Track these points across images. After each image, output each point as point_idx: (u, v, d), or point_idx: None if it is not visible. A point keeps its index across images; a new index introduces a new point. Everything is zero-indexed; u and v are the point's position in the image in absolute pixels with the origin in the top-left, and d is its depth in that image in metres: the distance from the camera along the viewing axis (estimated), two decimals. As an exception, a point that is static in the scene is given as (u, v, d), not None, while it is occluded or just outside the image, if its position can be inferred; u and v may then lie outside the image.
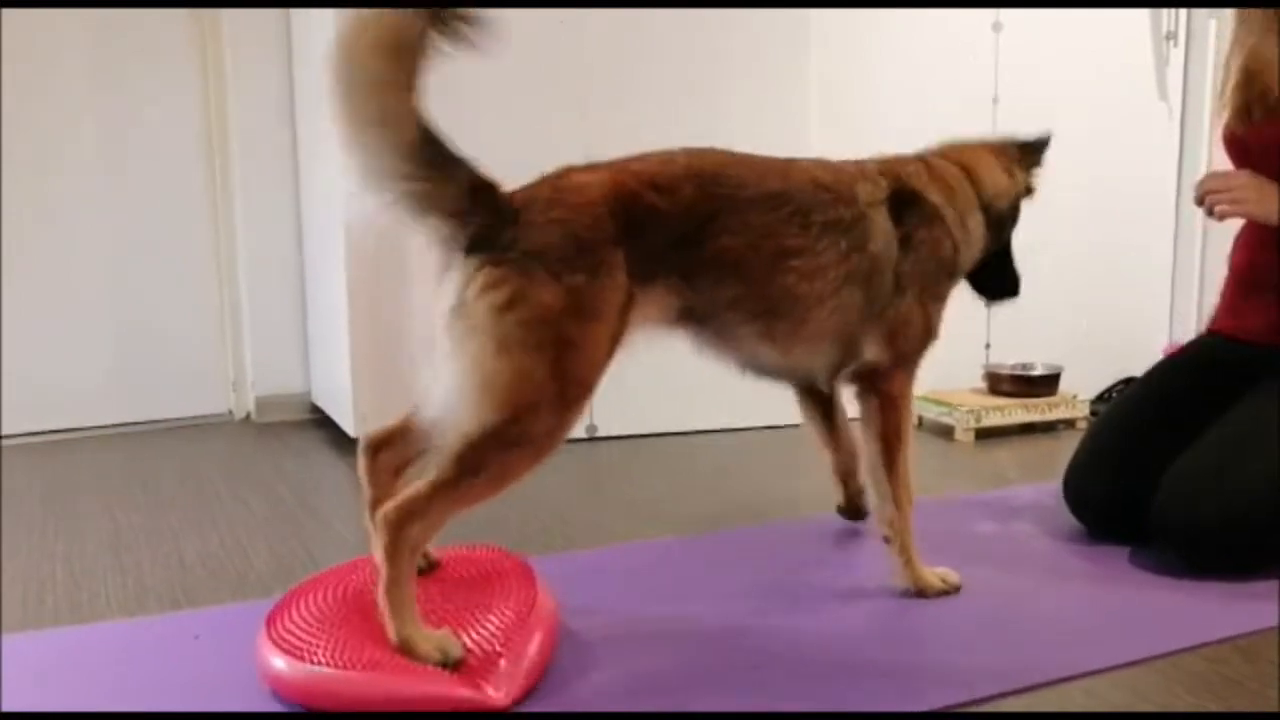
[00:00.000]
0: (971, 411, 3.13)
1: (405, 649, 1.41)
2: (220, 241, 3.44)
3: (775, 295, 1.70)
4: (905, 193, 1.80)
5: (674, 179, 1.62)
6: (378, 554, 1.42)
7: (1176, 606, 1.75)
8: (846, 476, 2.17)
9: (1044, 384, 3.29)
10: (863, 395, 1.83)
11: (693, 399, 3.18)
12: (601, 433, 3.11)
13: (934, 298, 1.83)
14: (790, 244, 1.69)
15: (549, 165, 2.94)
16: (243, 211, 3.41)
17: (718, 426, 3.19)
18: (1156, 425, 2.10)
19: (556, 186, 1.60)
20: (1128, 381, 3.33)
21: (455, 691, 1.35)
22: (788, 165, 1.76)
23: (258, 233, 3.42)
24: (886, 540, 1.84)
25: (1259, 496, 1.83)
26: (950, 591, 1.81)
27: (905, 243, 1.78)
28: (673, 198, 1.61)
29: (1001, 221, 1.93)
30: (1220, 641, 1.59)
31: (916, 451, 2.76)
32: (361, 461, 1.65)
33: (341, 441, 3.05)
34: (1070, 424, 3.27)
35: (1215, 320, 2.25)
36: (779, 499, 2.47)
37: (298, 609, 1.50)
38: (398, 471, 1.65)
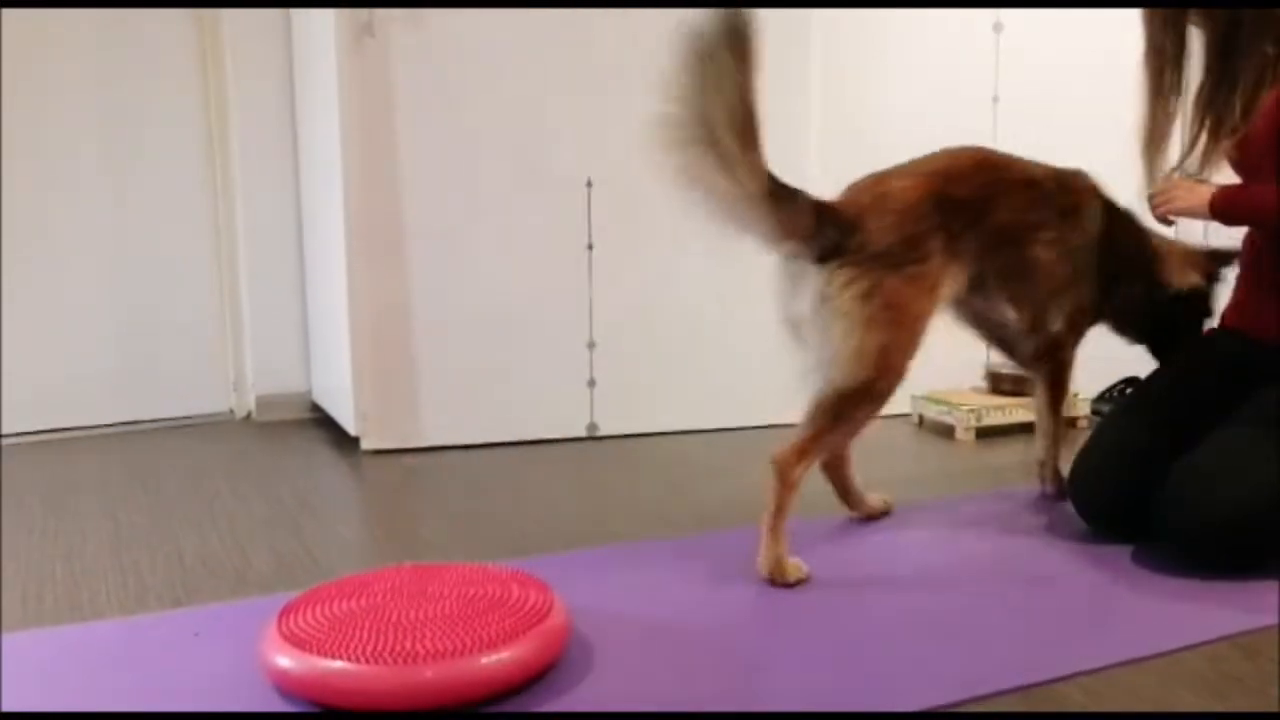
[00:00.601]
0: (972, 410, 3.13)
1: (776, 570, 1.88)
2: (221, 241, 3.44)
3: (1026, 262, 2.14)
4: (1108, 202, 2.25)
5: (963, 171, 2.07)
6: (768, 492, 1.93)
7: (1178, 605, 1.75)
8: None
9: (1045, 383, 3.28)
10: (1043, 359, 2.33)
11: (693, 398, 3.19)
12: (602, 432, 3.11)
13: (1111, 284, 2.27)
14: (1037, 219, 2.14)
15: (548, 164, 2.95)
16: (243, 211, 3.41)
17: (718, 426, 3.19)
18: (1162, 424, 2.09)
19: (879, 195, 1.98)
20: (1129, 381, 3.33)
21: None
22: (1016, 159, 2.18)
23: (258, 232, 3.42)
24: (1040, 465, 2.43)
25: (1264, 495, 1.82)
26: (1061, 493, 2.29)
27: (1101, 237, 2.22)
28: (966, 186, 2.05)
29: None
30: (1221, 640, 1.59)
31: (917, 450, 2.78)
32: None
33: (342, 441, 3.05)
34: (1071, 423, 3.26)
35: (1224, 317, 2.26)
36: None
37: (313, 610, 1.50)
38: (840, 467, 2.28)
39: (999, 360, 3.38)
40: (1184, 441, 1.97)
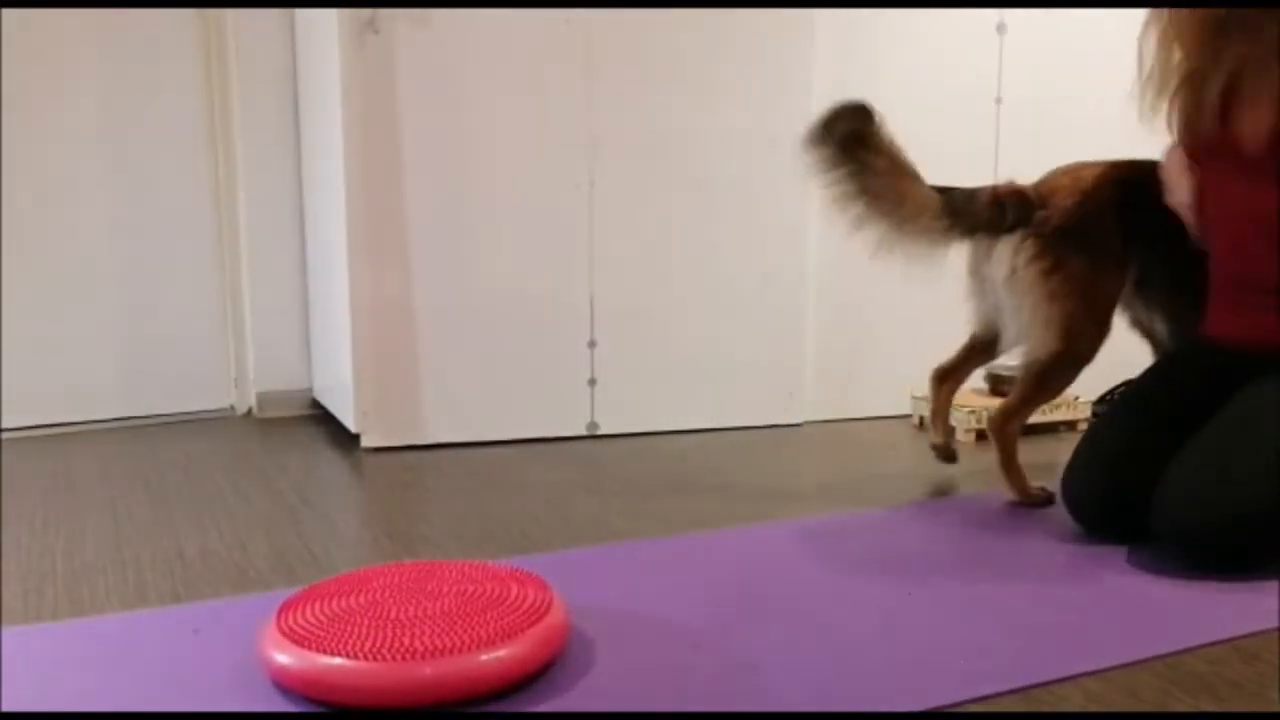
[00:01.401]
0: (973, 412, 3.13)
1: (1024, 496, 2.33)
2: (223, 237, 3.45)
3: (1178, 275, 2.24)
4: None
5: (1145, 173, 2.20)
6: (995, 444, 2.34)
7: (1175, 607, 1.75)
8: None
9: (1045, 385, 3.28)
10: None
11: (694, 398, 3.19)
12: (603, 430, 3.11)
13: None
14: (1180, 228, 2.19)
15: (551, 163, 2.96)
16: (245, 208, 3.41)
17: (719, 425, 3.20)
18: (1154, 426, 2.10)
19: (1074, 177, 2.23)
20: (1129, 383, 3.33)
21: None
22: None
23: (260, 229, 3.42)
24: None
25: (1259, 495, 1.83)
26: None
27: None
28: (1148, 188, 2.18)
29: None
30: (1219, 643, 1.59)
31: (916, 451, 2.78)
32: (931, 386, 2.57)
33: (343, 438, 3.05)
34: (1071, 425, 3.27)
35: (1209, 325, 2.25)
36: (781, 499, 2.47)
37: (312, 607, 1.50)
38: (950, 393, 2.58)
39: (1000, 363, 3.39)
40: (1174, 443, 1.97)
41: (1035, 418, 3.21)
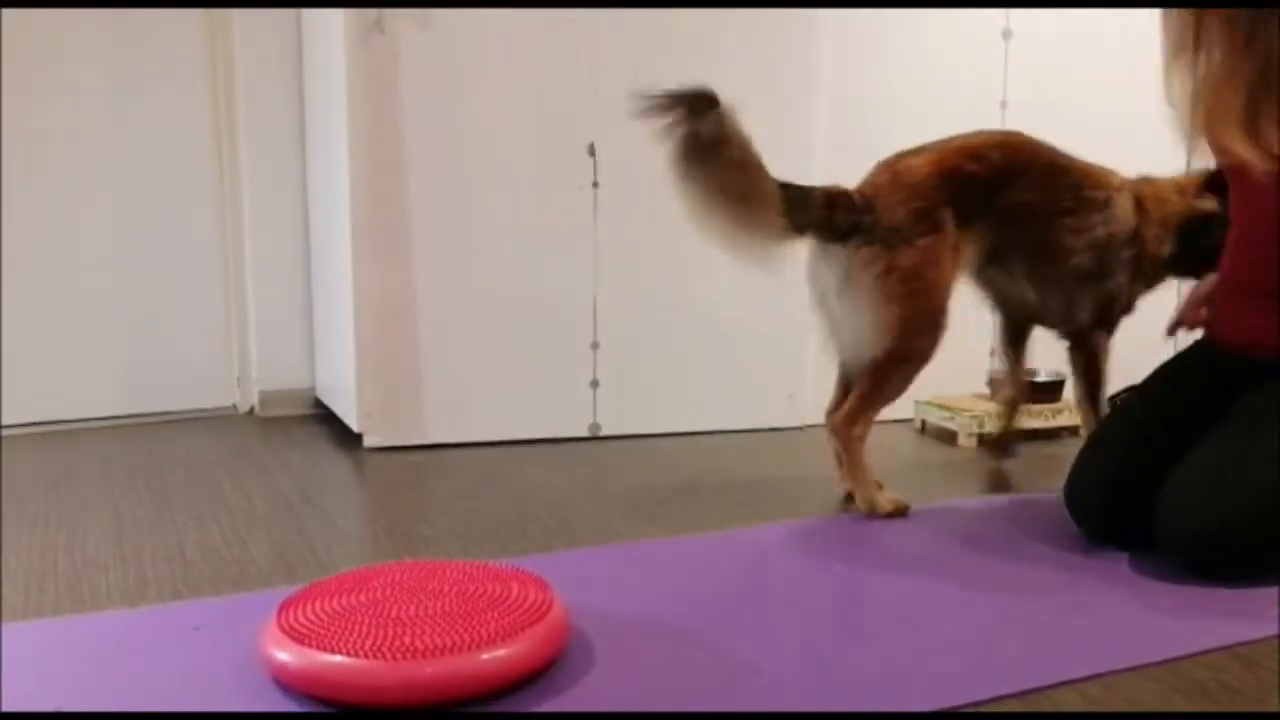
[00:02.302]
0: (975, 417, 3.13)
1: (870, 507, 2.27)
2: (227, 236, 3.45)
3: (1049, 241, 2.30)
4: (1140, 199, 2.37)
5: (984, 148, 2.24)
6: (839, 450, 2.33)
7: (1176, 613, 1.75)
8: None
9: (1047, 391, 3.28)
10: (1073, 350, 2.49)
11: (696, 400, 3.19)
12: (605, 432, 3.11)
13: (1142, 282, 2.44)
14: (1064, 204, 2.29)
15: (555, 164, 2.96)
16: (250, 207, 3.41)
17: (721, 428, 3.20)
18: (1155, 432, 2.09)
19: (894, 171, 2.21)
20: (1131, 389, 3.33)
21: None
22: (1063, 153, 2.34)
23: (264, 228, 3.43)
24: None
25: (1261, 503, 1.82)
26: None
27: (1134, 233, 2.35)
28: (984, 162, 2.22)
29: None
30: (1220, 649, 1.59)
31: (918, 455, 2.77)
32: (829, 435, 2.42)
33: (345, 437, 3.06)
34: (1073, 431, 3.26)
35: (1206, 328, 2.26)
36: (782, 500, 2.47)
37: (313, 605, 1.50)
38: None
39: (1002, 367, 3.39)
40: (1176, 450, 1.97)
41: (1037, 423, 3.21)
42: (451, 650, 1.38)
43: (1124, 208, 2.35)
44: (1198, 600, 1.79)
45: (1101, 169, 2.37)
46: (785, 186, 2.10)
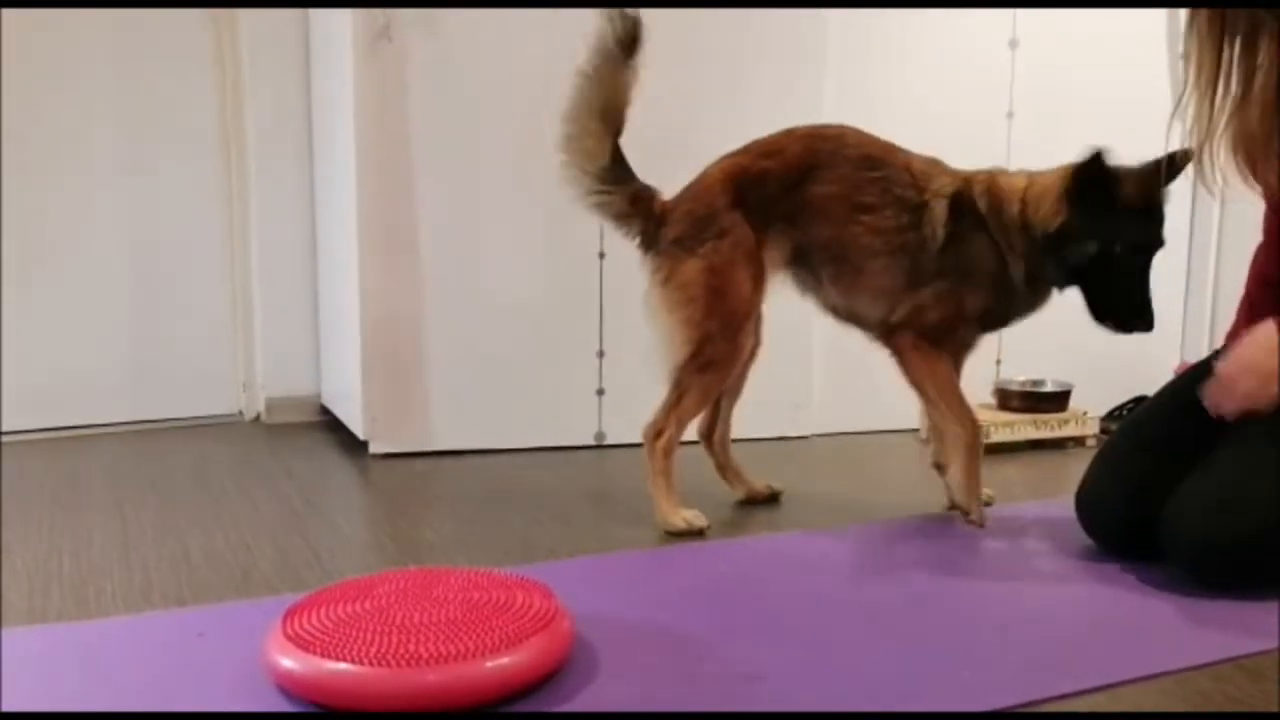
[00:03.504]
0: (980, 427, 3.12)
1: (665, 524, 2.20)
2: (234, 243, 3.46)
3: (846, 240, 2.17)
4: (964, 199, 2.17)
5: (781, 143, 2.19)
6: (647, 460, 2.24)
7: (1183, 625, 1.74)
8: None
9: (1054, 401, 3.28)
10: (891, 350, 2.26)
11: (701, 409, 3.18)
12: (610, 440, 3.11)
13: (969, 289, 2.19)
14: (866, 200, 2.16)
15: (558, 166, 2.85)
16: (257, 213, 3.42)
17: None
18: (1168, 443, 2.09)
19: (690, 184, 2.22)
20: (1138, 400, 3.32)
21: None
22: (893, 147, 2.22)
23: (271, 234, 3.43)
24: (936, 468, 2.43)
25: (1271, 515, 1.82)
26: (986, 505, 2.30)
27: (953, 238, 2.16)
28: (779, 158, 2.17)
29: (1054, 247, 2.13)
30: (1226, 661, 1.58)
31: (924, 465, 2.76)
32: (706, 450, 2.49)
33: (350, 444, 3.06)
34: (1080, 441, 3.26)
35: (1226, 341, 2.25)
36: (786, 510, 2.47)
37: (317, 613, 1.50)
38: (725, 445, 2.51)
39: (1008, 377, 3.39)
40: (1188, 461, 1.96)
41: (1044, 434, 3.21)
42: (455, 658, 1.38)
43: (937, 213, 2.18)
44: (1206, 611, 1.79)
45: (933, 169, 2.22)
46: (623, 159, 2.16)
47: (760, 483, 2.49)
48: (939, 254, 2.16)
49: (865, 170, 2.17)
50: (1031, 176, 2.19)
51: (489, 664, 1.39)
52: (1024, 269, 2.17)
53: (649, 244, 2.19)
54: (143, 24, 3.25)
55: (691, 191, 2.20)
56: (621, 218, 2.18)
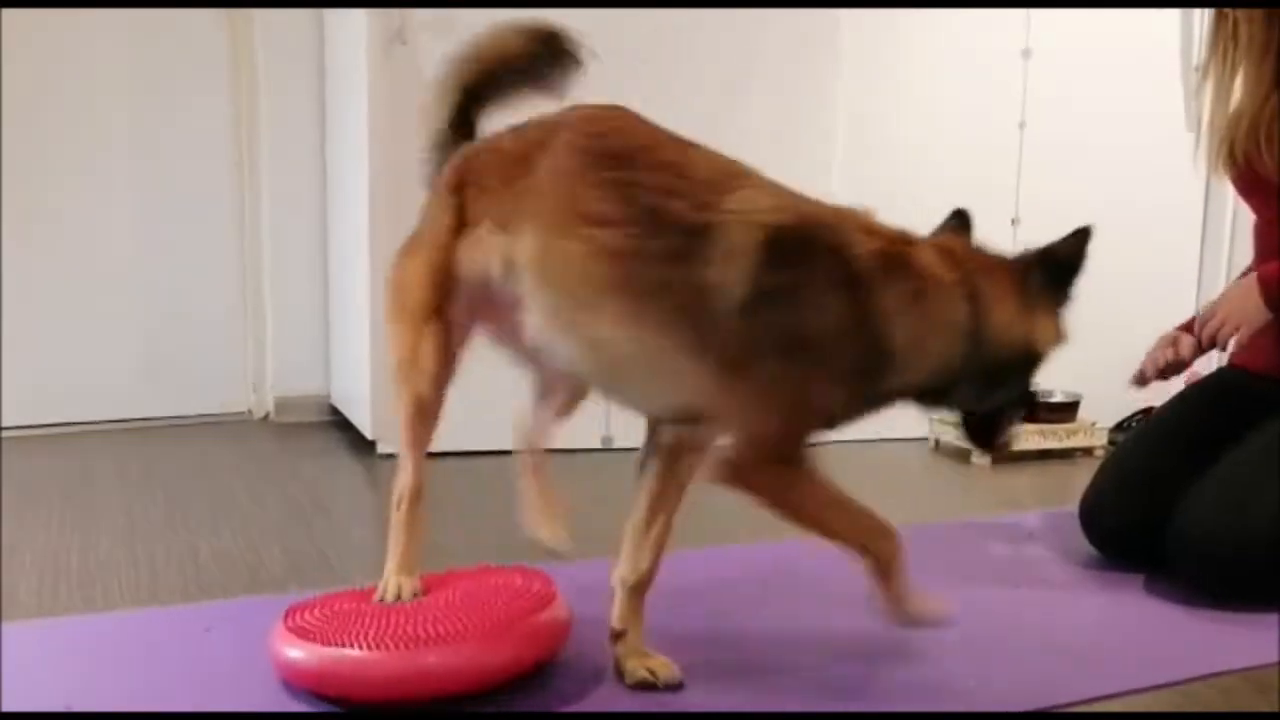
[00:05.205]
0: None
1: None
2: (246, 242, 3.47)
3: (560, 259, 1.41)
4: (803, 237, 1.36)
5: (539, 122, 1.57)
6: None
7: (1189, 636, 1.74)
8: None
9: (1062, 411, 3.27)
10: (719, 481, 1.45)
11: (709, 414, 3.18)
12: (618, 444, 3.11)
13: (818, 376, 1.38)
14: (595, 208, 1.39)
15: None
16: (269, 213, 3.43)
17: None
18: (1175, 454, 2.08)
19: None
20: (1147, 411, 3.31)
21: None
22: (684, 145, 1.47)
23: (283, 235, 3.45)
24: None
25: (1277, 527, 1.82)
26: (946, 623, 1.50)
27: (777, 292, 1.34)
28: (516, 139, 1.57)
29: (1004, 373, 1.48)
30: (1231, 672, 1.58)
31: (932, 473, 2.76)
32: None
33: (359, 444, 3.06)
34: (1088, 452, 3.25)
35: (1233, 354, 2.24)
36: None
37: (320, 608, 1.51)
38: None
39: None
40: (1194, 473, 1.96)
41: (1052, 444, 3.20)
42: (454, 638, 1.38)
43: (741, 242, 1.34)
44: (1210, 622, 1.78)
45: (733, 178, 1.42)
46: (463, 120, 1.74)
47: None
48: (741, 313, 1.33)
49: (607, 166, 1.42)
50: (939, 243, 1.45)
51: (489, 643, 1.40)
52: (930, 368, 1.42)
53: None
54: (158, 24, 3.27)
55: (457, 157, 1.67)
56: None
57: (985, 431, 1.56)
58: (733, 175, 1.42)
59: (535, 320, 1.47)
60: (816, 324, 1.35)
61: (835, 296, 1.35)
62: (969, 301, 1.39)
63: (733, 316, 1.33)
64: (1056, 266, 1.46)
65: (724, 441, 1.43)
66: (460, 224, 1.57)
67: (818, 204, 1.42)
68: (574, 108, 1.58)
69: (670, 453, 1.54)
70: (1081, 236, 1.45)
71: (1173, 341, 2.18)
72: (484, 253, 1.53)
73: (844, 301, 1.35)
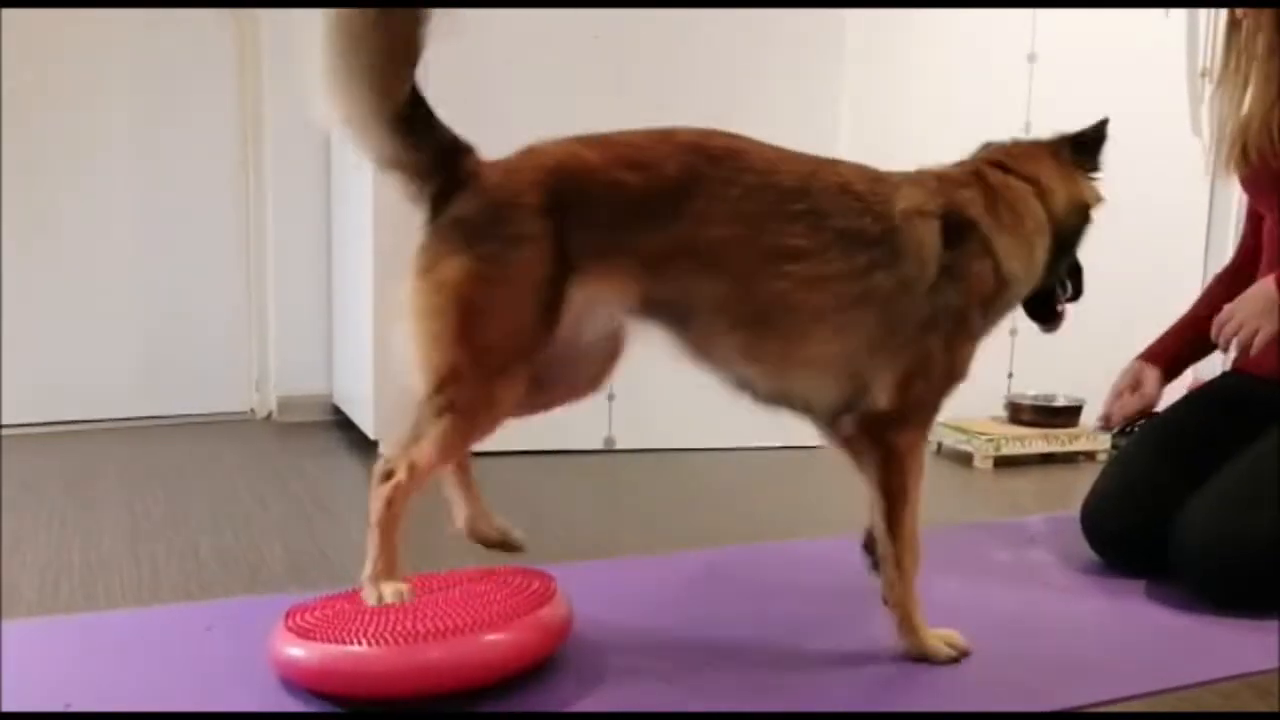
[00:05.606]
0: (991, 440, 3.11)
1: (367, 595, 1.49)
2: (250, 243, 3.47)
3: (764, 300, 1.51)
4: (957, 217, 1.56)
5: (652, 151, 1.52)
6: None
7: (1191, 641, 1.73)
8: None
9: (1065, 415, 3.27)
10: (864, 445, 1.59)
11: (712, 415, 3.18)
12: (620, 445, 3.11)
13: (968, 337, 1.58)
14: (790, 244, 1.50)
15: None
16: (273, 213, 3.44)
17: (736, 445, 3.19)
18: (1177, 459, 2.08)
19: (521, 153, 1.54)
20: (1150, 416, 3.31)
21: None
22: (816, 163, 1.57)
23: (287, 234, 3.45)
24: (885, 602, 1.62)
25: (1277, 531, 1.81)
26: (957, 657, 1.59)
27: (947, 272, 1.54)
28: (646, 173, 1.49)
29: (1069, 242, 1.70)
30: (1233, 678, 1.58)
31: (934, 477, 2.76)
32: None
33: (361, 444, 3.06)
34: (1090, 456, 3.25)
35: (1237, 359, 2.24)
36: (794, 519, 2.47)
37: (320, 608, 1.51)
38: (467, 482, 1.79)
39: (1019, 391, 3.38)
40: (1196, 479, 1.96)
41: (1054, 448, 3.20)
42: (455, 632, 1.39)
43: (917, 240, 1.54)
44: (1212, 628, 1.78)
45: (882, 182, 1.59)
46: (423, 99, 1.53)
47: (498, 522, 1.80)
48: (928, 295, 1.53)
49: (780, 202, 1.51)
50: (1019, 161, 1.68)
51: (489, 637, 1.40)
52: (1035, 282, 1.66)
53: (435, 213, 1.52)
54: (165, 24, 3.27)
55: (510, 167, 1.52)
56: (421, 175, 1.53)
57: (1045, 308, 1.75)
58: (868, 176, 1.58)
59: (723, 355, 1.59)
60: (975, 285, 1.56)
61: (980, 258, 1.56)
62: (1039, 199, 1.63)
63: (921, 299, 1.53)
64: (1084, 142, 1.73)
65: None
66: (558, 255, 1.48)
67: (926, 175, 1.62)
68: (670, 131, 1.56)
69: (861, 434, 1.60)
70: (1101, 123, 1.77)
71: (1136, 382, 2.21)
72: (618, 294, 1.53)
73: (985, 258, 1.57)
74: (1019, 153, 1.69)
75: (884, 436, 1.57)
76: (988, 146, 1.73)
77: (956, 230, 1.55)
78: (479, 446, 1.65)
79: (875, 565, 1.71)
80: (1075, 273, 1.77)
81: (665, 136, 1.55)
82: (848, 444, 1.63)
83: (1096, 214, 1.72)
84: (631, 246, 1.50)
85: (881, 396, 1.55)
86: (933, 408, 1.60)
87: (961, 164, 1.68)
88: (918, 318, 1.53)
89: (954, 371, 1.58)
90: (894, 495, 1.59)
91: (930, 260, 1.53)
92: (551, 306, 1.49)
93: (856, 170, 1.59)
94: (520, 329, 1.49)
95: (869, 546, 1.77)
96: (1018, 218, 1.61)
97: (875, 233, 1.52)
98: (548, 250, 1.47)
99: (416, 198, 1.53)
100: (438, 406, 1.51)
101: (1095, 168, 1.75)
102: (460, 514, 1.74)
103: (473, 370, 1.48)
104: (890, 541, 1.59)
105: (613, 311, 1.56)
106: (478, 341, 1.47)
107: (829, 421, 1.63)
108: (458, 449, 1.59)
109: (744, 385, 1.65)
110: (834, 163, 1.60)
